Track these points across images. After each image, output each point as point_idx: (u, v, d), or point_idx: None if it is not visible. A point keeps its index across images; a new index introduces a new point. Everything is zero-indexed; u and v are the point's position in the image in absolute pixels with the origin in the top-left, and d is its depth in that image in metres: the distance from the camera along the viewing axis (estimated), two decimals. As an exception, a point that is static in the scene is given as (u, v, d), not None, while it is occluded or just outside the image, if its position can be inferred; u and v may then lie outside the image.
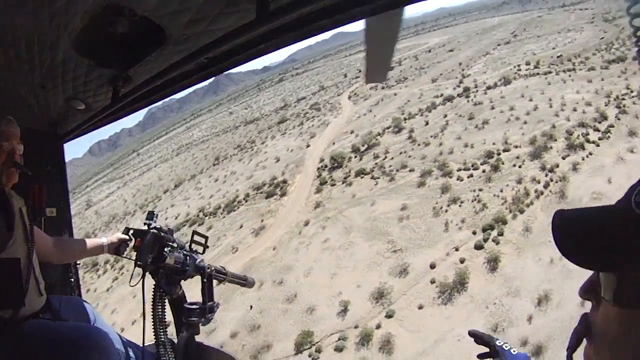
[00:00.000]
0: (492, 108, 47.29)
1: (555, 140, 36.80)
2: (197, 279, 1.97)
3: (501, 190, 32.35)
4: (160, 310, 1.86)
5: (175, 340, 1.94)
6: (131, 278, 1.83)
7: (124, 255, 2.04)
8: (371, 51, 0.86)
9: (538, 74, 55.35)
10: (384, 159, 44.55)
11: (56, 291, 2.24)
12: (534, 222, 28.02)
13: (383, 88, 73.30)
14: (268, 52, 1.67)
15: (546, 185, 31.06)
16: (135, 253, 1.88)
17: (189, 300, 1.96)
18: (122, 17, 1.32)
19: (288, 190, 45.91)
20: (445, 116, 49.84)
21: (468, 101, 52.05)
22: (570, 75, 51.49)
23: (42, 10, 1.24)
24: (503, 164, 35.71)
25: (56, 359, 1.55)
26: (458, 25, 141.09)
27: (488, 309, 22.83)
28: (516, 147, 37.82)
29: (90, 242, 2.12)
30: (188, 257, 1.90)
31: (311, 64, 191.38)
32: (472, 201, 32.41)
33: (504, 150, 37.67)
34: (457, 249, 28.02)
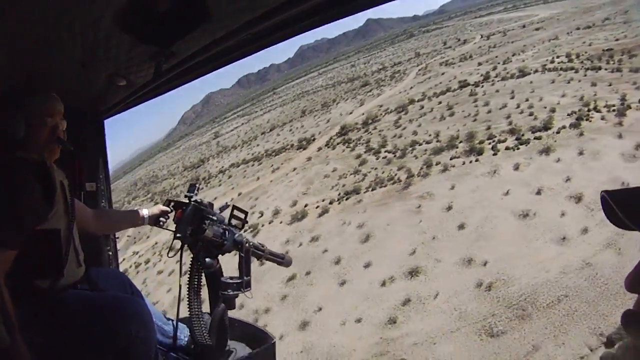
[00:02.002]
0: (475, 101, 46.94)
1: (471, 142, 38.95)
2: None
3: (382, 172, 40.95)
4: (196, 283, 1.89)
5: (209, 314, 1.97)
6: (169, 249, 1.97)
7: (164, 227, 2.15)
8: None
9: (560, 69, 47.14)
10: (367, 133, 54.91)
11: (94, 262, 2.19)
12: (368, 198, 37.50)
13: (446, 65, 72.05)
14: (308, 30, 1.67)
15: (408, 177, 37.87)
16: (175, 225, 1.95)
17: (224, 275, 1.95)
18: None
19: (308, 147, 63.66)
20: (440, 103, 51.80)
21: (470, 91, 51.17)
22: (585, 75, 43.00)
23: None
24: (411, 153, 42.03)
25: (95, 327, 1.59)
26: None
27: (292, 233, 37.24)
28: (438, 141, 41.82)
29: (130, 214, 2.20)
30: (227, 232, 1.95)
31: (446, 22, 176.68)
32: (363, 174, 42.62)
33: (426, 142, 42.60)
34: (323, 200, 41.64)
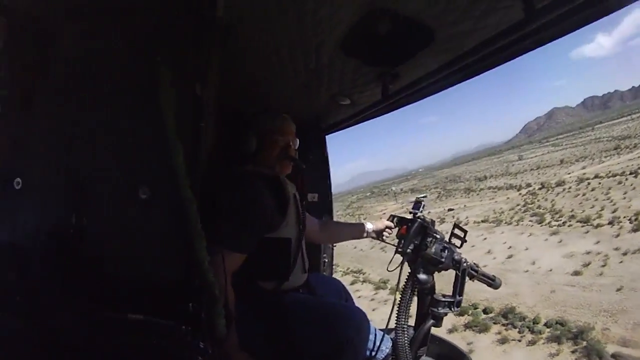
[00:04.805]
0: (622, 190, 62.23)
1: (551, 215, 62.17)
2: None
3: (501, 215, 71.86)
4: (408, 297, 1.99)
5: (413, 328, 2.07)
6: (390, 263, 2.03)
7: (387, 241, 2.27)
8: None
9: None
10: (543, 190, 77.69)
11: (311, 269, 2.37)
12: (481, 225, 73.11)
13: None
14: (533, 49, 1.70)
15: (499, 221, 68.19)
16: (398, 240, 2.07)
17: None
18: (387, 19, 1.44)
19: (520, 190, 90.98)
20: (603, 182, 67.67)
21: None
22: None
23: (307, 18, 1.41)
24: (523, 212, 68.87)
25: (312, 330, 1.73)
26: None
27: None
28: (544, 209, 66.65)
29: (355, 226, 2.40)
30: (447, 250, 2.03)
31: None
32: (500, 213, 74.41)
33: (538, 208, 67.76)
34: (474, 221, 79.56)
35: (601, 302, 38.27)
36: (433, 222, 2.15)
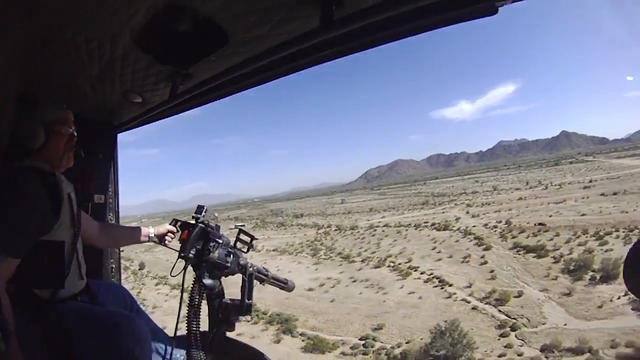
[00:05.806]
0: (383, 234, 79.40)
1: (322, 249, 76.00)
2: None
3: (291, 247, 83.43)
4: (197, 303, 1.96)
5: (207, 334, 2.04)
6: (172, 269, 1.96)
7: (169, 246, 2.24)
8: None
9: (468, 232, 71.27)
10: (336, 232, 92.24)
11: (96, 275, 2.31)
12: (271, 252, 79.65)
13: (467, 206, 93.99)
14: (330, 59, 1.79)
15: (283, 252, 79.92)
16: (180, 245, 2.01)
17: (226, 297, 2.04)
18: (184, 16, 1.42)
19: (322, 229, 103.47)
20: (381, 230, 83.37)
21: (399, 230, 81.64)
22: (457, 241, 66.21)
23: (104, 6, 1.34)
24: (306, 247, 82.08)
25: (90, 341, 1.65)
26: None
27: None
28: (322, 245, 79.61)
29: (136, 230, 2.31)
30: (232, 255, 2.03)
31: (599, 156, 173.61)
32: (290, 245, 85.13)
33: (321, 244, 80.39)
34: (268, 250, 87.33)
35: (314, 307, 50.41)
36: (218, 227, 2.14)
